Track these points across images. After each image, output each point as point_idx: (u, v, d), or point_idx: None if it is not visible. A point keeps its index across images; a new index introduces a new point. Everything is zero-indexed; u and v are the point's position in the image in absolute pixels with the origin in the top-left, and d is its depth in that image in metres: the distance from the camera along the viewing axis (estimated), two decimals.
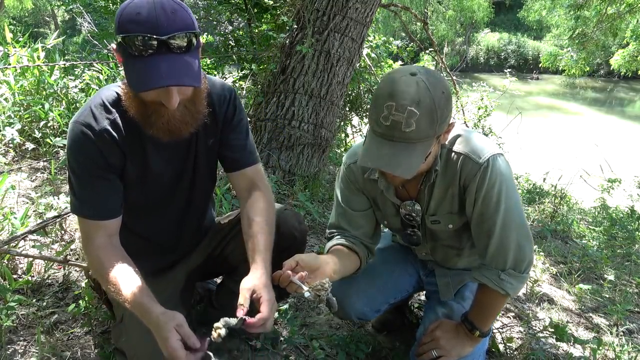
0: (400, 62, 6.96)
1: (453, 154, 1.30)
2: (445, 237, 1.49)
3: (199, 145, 1.32)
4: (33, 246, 1.89)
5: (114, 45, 1.08)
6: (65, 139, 2.72)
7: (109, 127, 1.18)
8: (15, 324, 1.54)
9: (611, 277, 2.62)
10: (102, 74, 3.88)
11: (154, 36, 1.00)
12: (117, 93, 1.21)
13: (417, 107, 1.08)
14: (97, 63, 3.98)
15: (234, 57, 4.95)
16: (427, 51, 6.46)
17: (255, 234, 1.25)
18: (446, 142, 1.31)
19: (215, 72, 5.61)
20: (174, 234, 1.44)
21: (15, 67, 3.05)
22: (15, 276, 1.71)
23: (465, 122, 5.57)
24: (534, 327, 2.08)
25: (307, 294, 1.13)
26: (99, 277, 1.19)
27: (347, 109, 4.88)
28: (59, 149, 2.77)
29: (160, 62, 1.02)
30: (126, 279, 1.13)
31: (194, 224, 1.48)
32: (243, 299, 1.12)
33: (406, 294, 1.71)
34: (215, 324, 1.10)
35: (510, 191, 1.27)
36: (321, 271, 1.24)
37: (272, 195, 1.39)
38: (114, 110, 1.19)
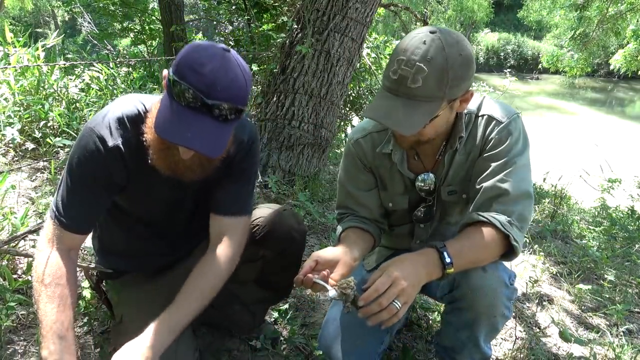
0: None
1: (479, 118, 1.29)
2: (455, 212, 1.43)
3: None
4: (33, 246, 1.88)
5: (166, 72, 1.07)
6: (66, 139, 2.74)
7: (122, 145, 1.16)
8: (15, 324, 1.54)
9: (611, 277, 2.62)
10: (102, 74, 3.88)
11: (203, 97, 1.00)
12: (138, 110, 1.18)
13: (427, 64, 1.06)
14: (97, 63, 3.98)
15: None
16: None
17: (183, 294, 1.20)
18: (466, 110, 1.28)
19: None
20: (173, 248, 1.44)
21: (15, 67, 3.04)
22: (15, 276, 1.71)
23: None
24: (534, 327, 2.08)
25: (332, 294, 1.09)
26: (40, 276, 1.12)
27: (347, 109, 4.88)
28: (59, 149, 2.77)
29: (194, 122, 1.01)
30: (59, 301, 1.09)
31: (194, 242, 1.46)
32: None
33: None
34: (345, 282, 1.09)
35: (523, 147, 1.25)
36: (342, 262, 1.19)
37: (237, 254, 1.29)
38: (130, 128, 1.17)
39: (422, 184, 1.39)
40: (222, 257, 1.26)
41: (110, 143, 1.14)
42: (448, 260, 1.09)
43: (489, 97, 1.33)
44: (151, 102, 1.20)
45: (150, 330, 1.11)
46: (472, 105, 1.31)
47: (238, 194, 1.31)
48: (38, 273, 1.12)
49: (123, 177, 1.20)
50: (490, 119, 1.27)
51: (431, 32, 1.09)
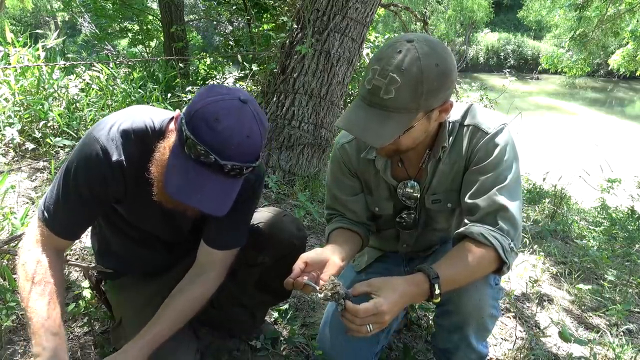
0: None
1: (464, 127, 1.26)
2: (441, 220, 1.43)
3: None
4: None
5: (179, 113, 1.04)
6: (66, 139, 2.74)
7: (125, 162, 1.12)
8: (15, 324, 1.54)
9: (611, 277, 2.62)
10: (102, 74, 3.88)
11: (215, 157, 0.98)
12: (146, 127, 1.14)
13: (400, 75, 1.03)
14: (97, 63, 3.98)
15: (238, 57, 4.96)
16: None
17: (162, 315, 1.22)
18: (450, 118, 1.25)
19: (216, 72, 5.61)
20: (172, 251, 1.44)
21: (15, 67, 3.04)
22: (15, 276, 1.71)
23: None
24: (534, 327, 2.08)
25: (321, 295, 1.09)
26: (27, 274, 1.11)
27: None
28: (59, 149, 2.76)
29: (206, 182, 1.00)
30: (46, 300, 1.09)
31: (193, 244, 1.44)
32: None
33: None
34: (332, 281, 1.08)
35: (513, 161, 1.21)
36: (331, 263, 1.20)
37: (218, 283, 1.31)
38: (135, 144, 1.13)
39: (406, 191, 1.37)
40: (202, 289, 1.28)
41: (114, 157, 1.11)
42: (437, 292, 1.09)
43: (475, 105, 1.30)
44: (161, 119, 1.17)
45: (124, 349, 1.15)
46: (456, 114, 1.28)
47: (234, 231, 1.28)
48: (26, 271, 1.11)
49: (120, 193, 1.19)
50: (476, 129, 1.24)
51: (408, 41, 1.06)
